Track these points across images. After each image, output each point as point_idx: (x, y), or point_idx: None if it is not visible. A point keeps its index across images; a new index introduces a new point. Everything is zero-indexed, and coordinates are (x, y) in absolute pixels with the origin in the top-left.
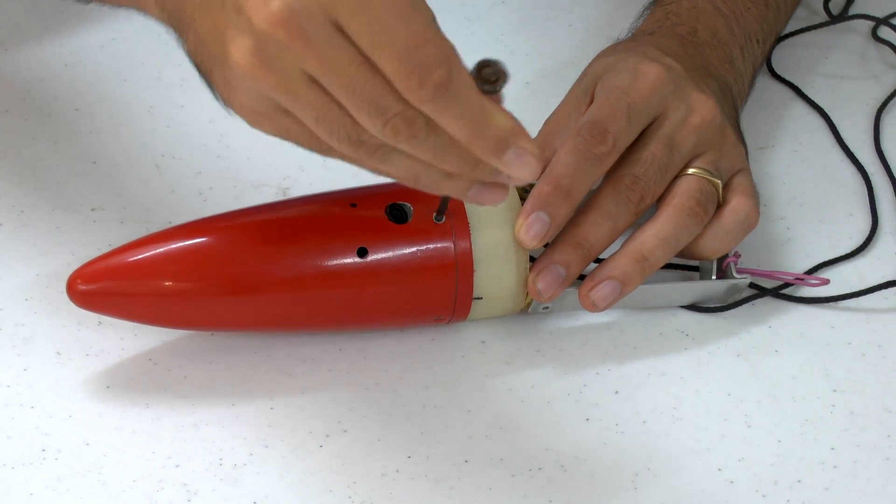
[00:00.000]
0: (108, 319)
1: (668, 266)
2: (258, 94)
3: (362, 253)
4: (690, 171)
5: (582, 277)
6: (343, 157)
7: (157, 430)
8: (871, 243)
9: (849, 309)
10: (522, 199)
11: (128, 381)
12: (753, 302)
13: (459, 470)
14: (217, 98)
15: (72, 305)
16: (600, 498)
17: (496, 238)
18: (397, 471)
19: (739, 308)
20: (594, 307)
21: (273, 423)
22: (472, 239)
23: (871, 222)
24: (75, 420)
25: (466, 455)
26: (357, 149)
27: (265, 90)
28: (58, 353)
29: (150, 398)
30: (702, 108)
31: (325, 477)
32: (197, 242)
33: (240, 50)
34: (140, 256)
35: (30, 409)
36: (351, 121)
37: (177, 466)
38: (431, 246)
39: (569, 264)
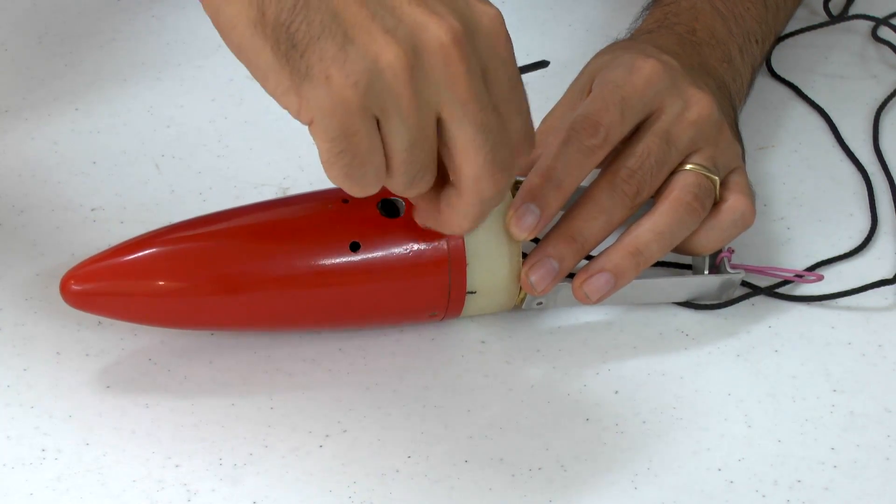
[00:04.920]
0: (107, 319)
1: (661, 264)
2: (368, 100)
3: (355, 247)
4: (688, 166)
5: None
6: (369, 185)
7: (157, 430)
8: (871, 243)
9: (849, 309)
10: (514, 192)
11: (127, 381)
12: (753, 302)
13: (459, 470)
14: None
15: None
16: (600, 498)
17: (488, 231)
18: (397, 471)
19: (739, 308)
20: (587, 299)
21: (273, 422)
22: None
23: (870, 222)
24: (75, 420)
25: (466, 455)
26: (409, 184)
27: (388, 101)
28: (58, 353)
29: (149, 398)
30: (699, 103)
31: (325, 477)
32: (189, 241)
33: (393, 55)
34: (132, 256)
35: (30, 409)
36: (431, 160)
37: (177, 466)
38: (424, 240)
39: (562, 258)
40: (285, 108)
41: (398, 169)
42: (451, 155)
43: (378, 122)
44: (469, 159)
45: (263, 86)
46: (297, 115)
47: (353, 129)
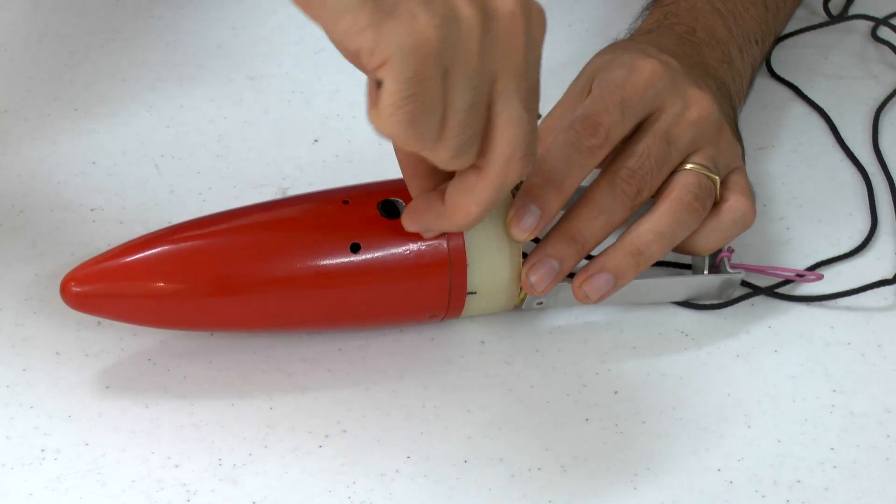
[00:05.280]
0: (107, 320)
1: (660, 263)
2: (444, 47)
3: (355, 248)
4: (688, 166)
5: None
6: (426, 137)
7: (157, 431)
8: (870, 243)
9: (848, 309)
10: (514, 193)
11: (127, 382)
12: (753, 302)
13: (459, 470)
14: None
15: None
16: (600, 498)
17: (489, 231)
18: (397, 471)
19: (739, 308)
20: (587, 299)
21: (272, 422)
22: (464, 232)
23: (870, 222)
24: (75, 420)
25: (466, 455)
26: (458, 151)
27: (458, 55)
28: (57, 353)
29: (149, 398)
30: (699, 103)
31: (325, 477)
32: (189, 243)
33: (470, 10)
34: (132, 258)
35: (29, 409)
36: (479, 130)
37: (176, 466)
38: (424, 240)
39: (562, 258)
40: (354, 48)
41: (453, 130)
42: (491, 130)
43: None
44: (508, 137)
45: (331, 27)
46: (368, 55)
47: (427, 73)
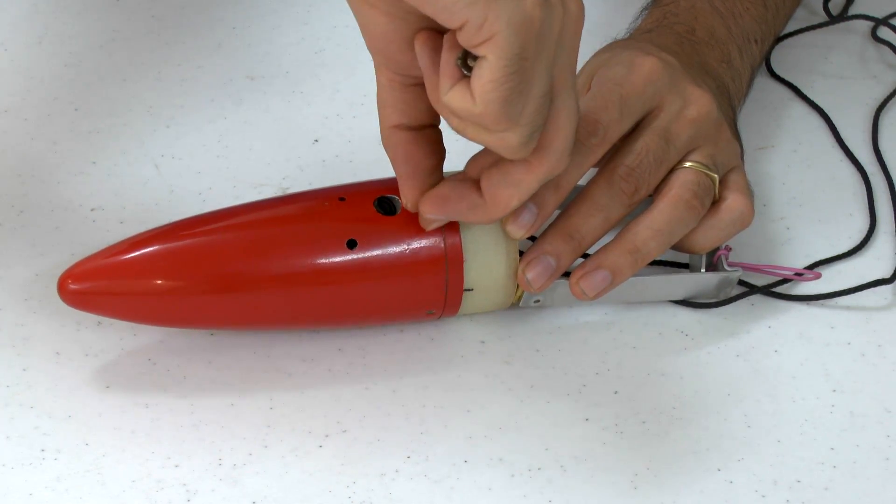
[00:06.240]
0: (107, 319)
1: (657, 262)
2: (543, 28)
3: (352, 245)
4: (687, 164)
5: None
6: (518, 118)
7: (157, 430)
8: (869, 243)
9: (848, 309)
10: None
11: (127, 381)
12: (753, 302)
13: (459, 470)
14: None
15: None
16: (600, 498)
17: (485, 228)
18: (397, 471)
19: (739, 308)
20: (584, 295)
21: (272, 422)
22: (461, 229)
23: (869, 222)
24: (75, 420)
25: (466, 455)
26: (530, 137)
27: (543, 40)
28: (57, 353)
29: (149, 398)
30: (698, 101)
31: (325, 477)
32: (186, 240)
33: None
34: (129, 255)
35: (29, 409)
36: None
37: (176, 466)
38: (421, 237)
39: (559, 255)
40: (459, 21)
41: (528, 116)
42: (549, 122)
43: None
44: (563, 131)
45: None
46: (476, 29)
47: (529, 51)
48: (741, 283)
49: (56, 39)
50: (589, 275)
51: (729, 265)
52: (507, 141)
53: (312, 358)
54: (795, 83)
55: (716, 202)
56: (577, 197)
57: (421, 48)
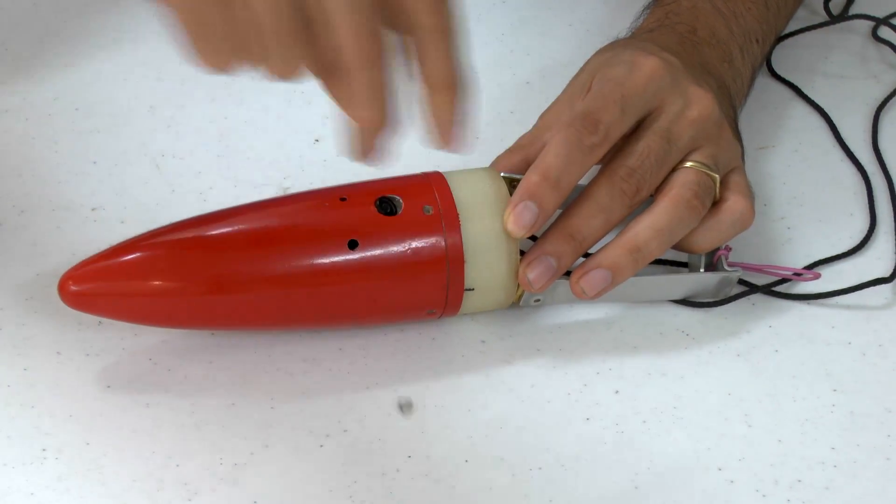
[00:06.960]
0: (107, 319)
1: (657, 262)
2: None
3: (353, 245)
4: (688, 164)
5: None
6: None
7: (157, 430)
8: (869, 242)
9: (849, 308)
10: (512, 189)
11: (128, 381)
12: (753, 302)
13: (459, 470)
14: None
15: None
16: (600, 498)
17: (486, 228)
18: (397, 471)
19: (739, 307)
20: (584, 295)
21: (273, 422)
22: (462, 229)
23: (869, 222)
24: (75, 420)
25: (466, 455)
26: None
27: None
28: (58, 352)
29: (150, 398)
30: (699, 101)
31: (325, 477)
32: (187, 241)
33: None
34: (130, 256)
35: (30, 409)
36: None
37: (177, 466)
38: (422, 237)
39: (560, 255)
40: None
41: None
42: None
43: None
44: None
45: None
46: None
47: None
48: (741, 282)
49: (56, 39)
50: (589, 274)
51: (729, 265)
52: None
53: (313, 358)
54: (796, 83)
55: (716, 203)
56: (578, 197)
57: None
